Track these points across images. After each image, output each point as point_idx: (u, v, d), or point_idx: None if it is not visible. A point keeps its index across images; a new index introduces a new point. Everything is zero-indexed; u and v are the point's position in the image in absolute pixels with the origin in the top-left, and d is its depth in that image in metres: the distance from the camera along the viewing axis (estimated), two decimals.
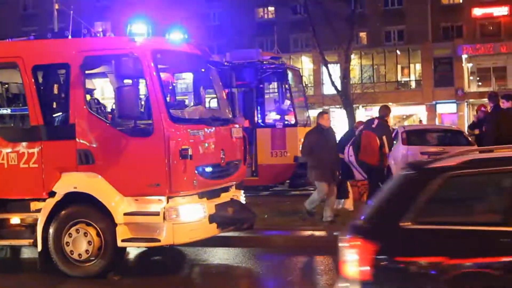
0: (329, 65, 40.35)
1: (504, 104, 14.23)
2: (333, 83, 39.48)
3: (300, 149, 14.44)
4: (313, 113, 37.32)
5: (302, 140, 14.55)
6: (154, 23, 11.24)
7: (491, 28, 57.52)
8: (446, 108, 55.41)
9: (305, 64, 56.74)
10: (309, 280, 9.89)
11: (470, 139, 18.35)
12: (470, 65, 55.52)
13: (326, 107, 54.04)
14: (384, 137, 14.53)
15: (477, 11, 57.04)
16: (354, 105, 43.21)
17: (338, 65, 45.19)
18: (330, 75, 39.56)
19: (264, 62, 20.61)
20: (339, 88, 39.48)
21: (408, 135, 18.04)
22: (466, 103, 55.22)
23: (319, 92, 53.52)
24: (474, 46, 54.27)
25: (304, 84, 23.33)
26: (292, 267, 10.79)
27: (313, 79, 54.54)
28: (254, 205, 14.66)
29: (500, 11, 56.09)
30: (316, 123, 13.96)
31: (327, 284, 9.68)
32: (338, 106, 46.29)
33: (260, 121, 20.18)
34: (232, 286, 10.13)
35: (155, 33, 10.94)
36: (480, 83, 56.62)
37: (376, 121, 14.97)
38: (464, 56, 54.50)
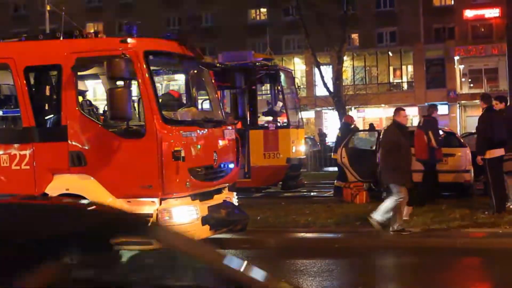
0: (321, 66, 40.37)
1: (497, 105, 14.29)
2: (325, 84, 39.52)
3: (381, 149, 13.23)
4: (305, 114, 37.42)
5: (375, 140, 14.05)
6: (147, 24, 11.19)
7: (483, 30, 57.77)
8: (438, 110, 55.49)
9: (298, 65, 56.78)
10: (303, 282, 9.86)
11: (462, 140, 18.37)
12: (462, 66, 55.72)
13: (318, 109, 54.18)
14: (430, 133, 15.29)
15: (469, 13, 57.29)
16: (347, 107, 43.26)
17: (331, 66, 45.25)
18: (322, 77, 39.58)
19: (257, 64, 20.58)
20: (332, 89, 39.52)
21: None
22: (458, 105, 55.43)
23: (311, 94, 53.55)
24: (466, 48, 54.53)
25: (296, 86, 23.32)
26: (286, 269, 10.76)
27: (306, 81, 54.59)
28: (247, 207, 14.65)
29: (491, 13, 56.35)
30: (392, 120, 13.07)
31: (320, 286, 9.67)
32: (330, 108, 46.32)
33: (252, 122, 20.14)
34: None
35: (147, 34, 10.89)
36: (472, 85, 56.82)
37: (422, 119, 16.11)
38: (456, 58, 54.69)
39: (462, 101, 55.56)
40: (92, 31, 10.91)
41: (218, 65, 18.94)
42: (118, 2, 62.46)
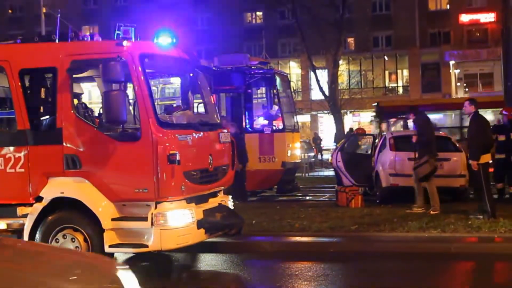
0: (317, 70, 40.44)
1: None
2: (321, 88, 39.55)
3: None
4: (301, 118, 37.41)
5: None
6: (142, 27, 11.15)
7: (478, 34, 57.87)
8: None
9: (293, 69, 56.87)
10: (298, 287, 9.84)
11: (458, 145, 18.38)
12: (457, 71, 55.85)
13: (314, 113, 54.22)
14: None
15: (465, 18, 57.40)
16: (342, 111, 43.27)
17: (326, 70, 45.28)
18: (318, 81, 39.64)
19: (252, 67, 20.57)
20: (327, 93, 39.54)
21: (396, 141, 18.03)
22: None
23: (307, 98, 53.63)
24: (461, 52, 54.66)
25: (292, 90, 23.32)
26: (280, 273, 10.74)
27: (301, 85, 54.64)
28: (242, 211, 14.61)
29: (487, 17, 56.43)
30: None
31: None
32: (326, 112, 46.32)
33: (248, 126, 20.12)
34: None
35: (143, 38, 10.84)
36: (467, 89, 56.95)
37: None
38: (452, 62, 54.84)
39: None
40: (88, 33, 10.84)
41: (214, 68, 19.02)
42: (114, 5, 62.42)
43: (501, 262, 11.06)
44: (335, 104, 39.52)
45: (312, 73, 42.99)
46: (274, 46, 58.33)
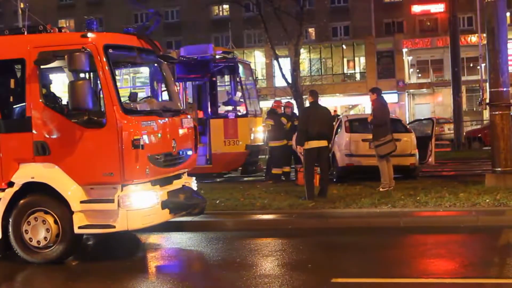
0: (280, 59, 40.21)
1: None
2: (283, 75, 39.39)
3: None
4: (266, 104, 37.32)
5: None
6: (116, 20, 10.96)
7: (429, 23, 58.37)
8: (388, 98, 55.04)
9: (258, 58, 56.72)
10: (256, 261, 9.80)
11: (408, 126, 18.45)
12: (410, 58, 56.19)
13: (277, 98, 54.04)
14: None
15: (416, 8, 57.91)
16: (304, 96, 43.20)
17: (289, 59, 45.14)
18: (281, 68, 39.46)
19: (216, 56, 20.42)
20: (290, 80, 39.42)
21: (351, 123, 18.06)
22: (406, 93, 55.85)
23: (271, 84, 53.52)
24: (413, 41, 55.04)
25: (254, 77, 23.20)
26: (242, 249, 10.69)
27: (266, 72, 54.52)
28: (208, 191, 14.55)
29: (436, 8, 57.06)
30: None
31: (272, 264, 9.60)
32: (289, 97, 46.20)
33: (213, 112, 20.01)
34: (184, 267, 10.01)
35: (111, 29, 10.66)
36: (419, 75, 57.37)
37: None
38: (405, 50, 55.12)
39: (411, 90, 55.99)
40: (61, 26, 10.64)
41: (179, 58, 18.81)
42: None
43: (445, 235, 11.12)
44: (297, 90, 39.42)
45: (275, 62, 42.79)
46: (240, 36, 58.18)
